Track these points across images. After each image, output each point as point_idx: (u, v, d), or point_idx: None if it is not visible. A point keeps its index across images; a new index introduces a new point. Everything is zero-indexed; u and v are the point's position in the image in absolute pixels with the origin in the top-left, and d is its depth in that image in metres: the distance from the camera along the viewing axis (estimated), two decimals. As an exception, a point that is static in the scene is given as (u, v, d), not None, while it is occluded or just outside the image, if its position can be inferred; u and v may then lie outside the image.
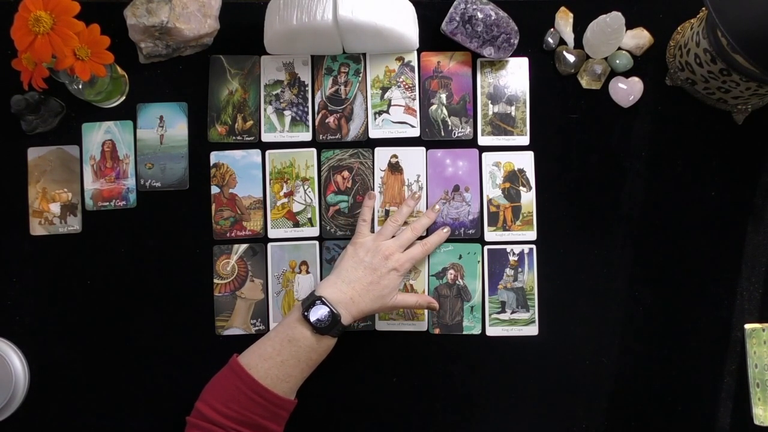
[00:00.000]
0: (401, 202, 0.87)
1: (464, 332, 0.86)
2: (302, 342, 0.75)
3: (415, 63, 0.90)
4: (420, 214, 0.87)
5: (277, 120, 0.89)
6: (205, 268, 0.87)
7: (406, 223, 0.85)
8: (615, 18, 0.84)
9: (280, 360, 0.74)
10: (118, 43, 0.81)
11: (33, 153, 0.88)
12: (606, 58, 0.89)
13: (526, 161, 0.88)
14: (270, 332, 0.77)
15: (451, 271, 0.87)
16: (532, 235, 0.88)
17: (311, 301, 0.76)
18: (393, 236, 0.83)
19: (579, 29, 0.89)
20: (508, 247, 0.87)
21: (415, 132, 0.89)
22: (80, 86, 0.82)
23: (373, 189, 0.88)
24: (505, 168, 0.88)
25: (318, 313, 0.75)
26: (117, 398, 0.86)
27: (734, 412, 0.85)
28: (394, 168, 0.88)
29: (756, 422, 0.84)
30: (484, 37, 0.87)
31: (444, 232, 0.85)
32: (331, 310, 0.75)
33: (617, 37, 0.86)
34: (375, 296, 0.78)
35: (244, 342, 0.86)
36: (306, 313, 0.75)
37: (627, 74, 0.89)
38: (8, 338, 0.85)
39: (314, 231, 0.88)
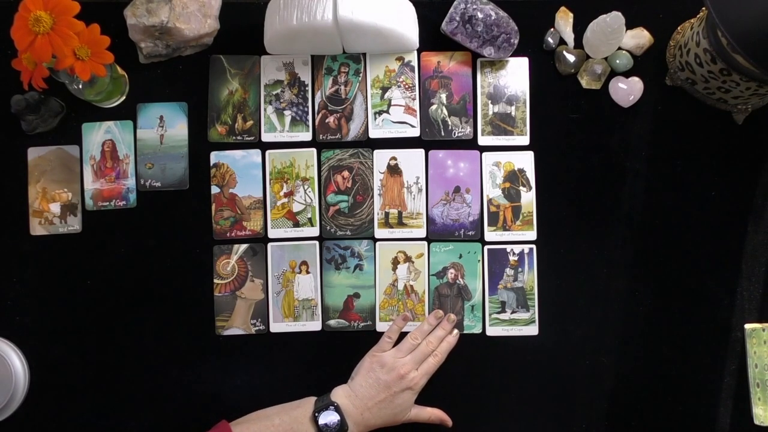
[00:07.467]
0: (401, 204, 0.87)
1: (464, 332, 0.86)
2: None
3: (415, 63, 0.90)
4: (419, 215, 0.87)
5: (277, 120, 0.89)
6: (205, 268, 0.87)
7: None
8: (615, 18, 0.84)
9: None
10: (118, 43, 0.81)
11: (33, 153, 0.88)
12: (606, 58, 0.89)
13: (526, 161, 0.88)
14: (273, 414, 0.78)
15: (452, 270, 0.87)
16: (532, 235, 0.88)
17: (325, 404, 0.77)
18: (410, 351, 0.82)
19: (579, 29, 0.89)
20: (508, 247, 0.87)
21: (415, 132, 0.89)
22: (80, 86, 0.82)
23: (372, 190, 0.88)
24: (505, 168, 0.88)
25: (328, 418, 0.76)
26: (117, 398, 0.86)
27: (734, 412, 0.85)
28: (393, 170, 0.88)
29: (756, 422, 0.84)
30: (484, 37, 0.87)
31: (453, 337, 0.85)
32: (341, 419, 0.76)
33: (617, 37, 0.86)
34: (387, 414, 0.79)
35: (244, 342, 0.86)
36: (317, 414, 0.76)
37: (627, 74, 0.89)
38: (8, 338, 0.85)
39: (314, 231, 0.88)
